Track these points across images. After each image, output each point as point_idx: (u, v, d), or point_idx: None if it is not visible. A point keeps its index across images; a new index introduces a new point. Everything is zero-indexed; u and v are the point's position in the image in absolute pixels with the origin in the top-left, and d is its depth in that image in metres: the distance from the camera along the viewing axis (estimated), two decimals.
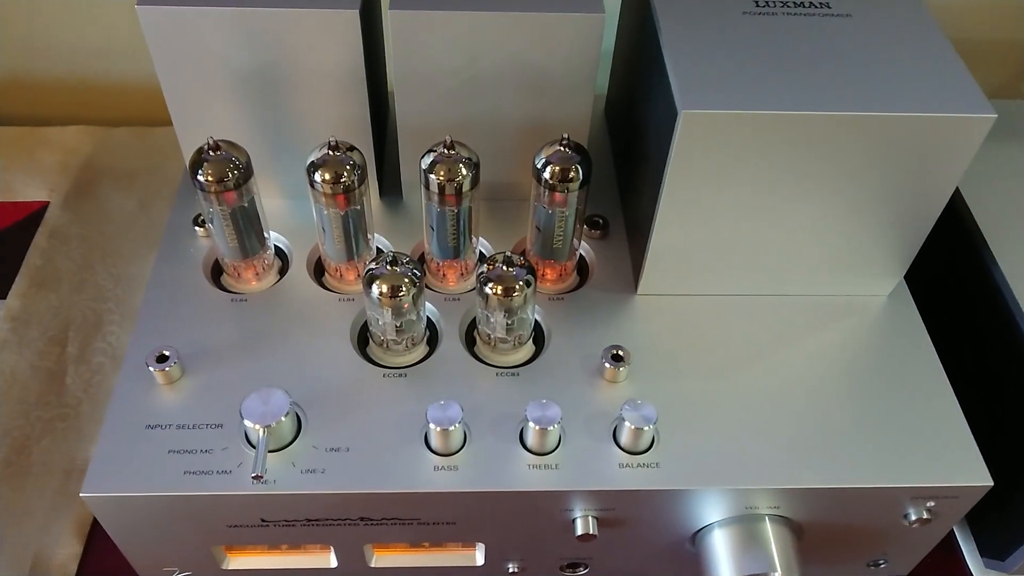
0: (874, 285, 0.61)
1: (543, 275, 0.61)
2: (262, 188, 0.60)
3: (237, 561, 0.57)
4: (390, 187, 0.67)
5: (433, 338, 0.57)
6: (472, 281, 0.61)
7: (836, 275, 0.60)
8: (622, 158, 0.69)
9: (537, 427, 0.50)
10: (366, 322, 0.56)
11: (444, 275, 0.61)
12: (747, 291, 0.61)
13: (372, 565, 0.57)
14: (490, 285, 0.53)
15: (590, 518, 0.52)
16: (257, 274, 0.59)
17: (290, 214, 0.64)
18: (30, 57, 0.92)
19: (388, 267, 0.52)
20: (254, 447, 0.49)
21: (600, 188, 0.68)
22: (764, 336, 0.59)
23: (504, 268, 0.53)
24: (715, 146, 0.51)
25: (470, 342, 0.58)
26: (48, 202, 0.83)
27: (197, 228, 0.62)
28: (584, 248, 0.64)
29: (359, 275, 0.59)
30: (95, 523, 0.62)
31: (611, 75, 0.76)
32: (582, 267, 0.64)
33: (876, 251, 0.59)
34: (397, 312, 0.53)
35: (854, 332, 0.60)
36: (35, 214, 0.82)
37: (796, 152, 0.51)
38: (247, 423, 0.48)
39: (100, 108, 0.96)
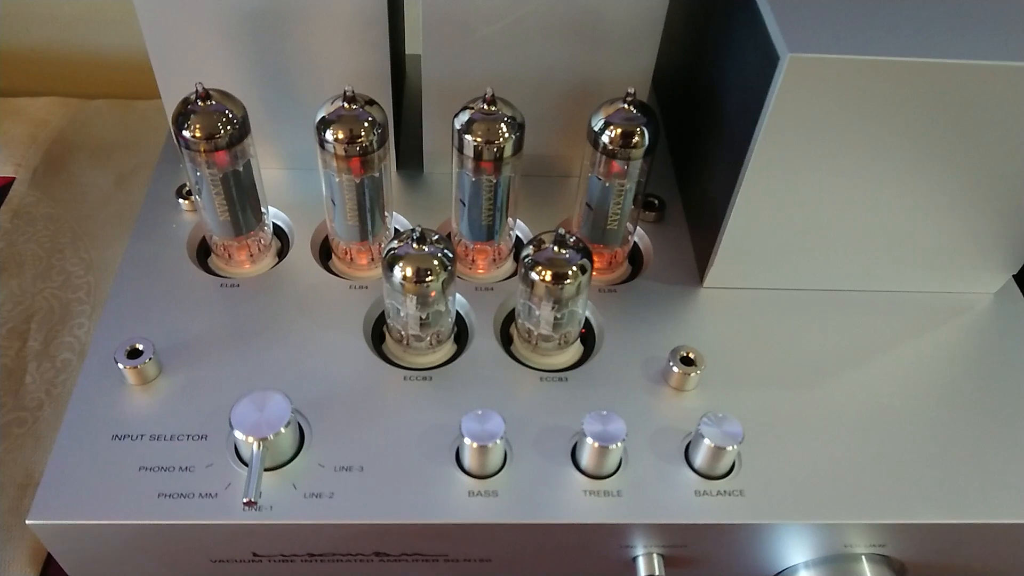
0: (980, 281, 0.55)
1: None
2: (260, 156, 0.54)
3: None
4: (408, 160, 0.61)
5: (461, 335, 0.52)
6: (506, 269, 0.55)
7: (939, 268, 0.53)
8: (679, 132, 0.62)
9: (597, 444, 0.43)
10: (383, 313, 0.51)
11: (473, 260, 0.54)
12: (834, 285, 0.54)
13: None
14: (537, 269, 0.46)
15: (655, 556, 0.46)
16: (252, 255, 0.54)
17: (292, 187, 0.58)
18: (3, 26, 0.86)
19: (414, 245, 0.45)
20: (246, 465, 0.44)
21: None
22: (855, 338, 0.52)
23: (555, 249, 0.46)
24: (820, 102, 0.43)
25: (505, 340, 0.52)
26: (14, 178, 0.77)
27: (181, 200, 0.57)
28: (637, 233, 0.57)
29: (373, 258, 0.54)
30: None
31: (662, 38, 0.68)
32: (634, 255, 0.57)
33: (989, 241, 0.52)
34: (423, 301, 0.46)
35: (961, 335, 0.53)
36: None
37: (916, 110, 0.44)
38: (238, 435, 0.42)
39: (78, 82, 0.90)
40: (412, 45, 0.65)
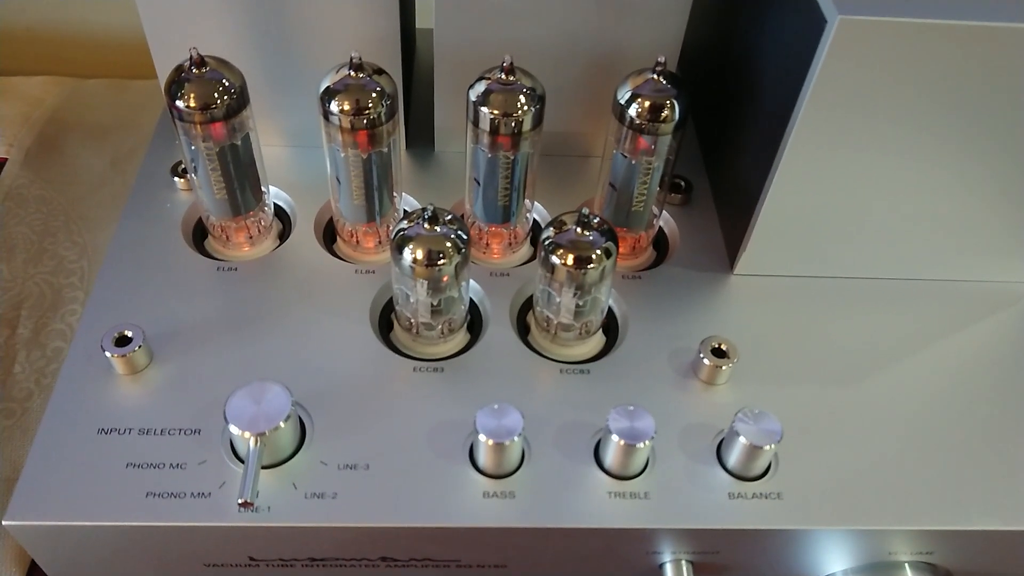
0: None
1: None
2: (261, 132, 0.52)
3: None
4: (418, 138, 0.59)
5: (475, 323, 0.50)
6: (523, 253, 0.53)
7: (990, 255, 0.51)
8: (706, 108, 0.60)
9: (623, 442, 0.41)
10: (391, 300, 0.49)
11: (488, 244, 0.52)
12: (877, 273, 0.52)
13: None
14: (559, 253, 0.44)
15: (683, 563, 0.44)
16: (251, 237, 0.52)
17: (295, 164, 0.57)
18: None
19: (426, 226, 0.43)
20: (242, 462, 0.43)
21: None
22: (900, 330, 0.50)
23: (578, 231, 0.43)
24: (869, 70, 0.41)
25: (522, 329, 0.50)
26: (6, 158, 0.76)
27: (177, 179, 0.55)
28: (662, 216, 0.55)
29: (380, 241, 0.52)
30: None
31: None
32: (658, 240, 0.55)
33: None
34: (435, 287, 0.44)
35: (1014, 327, 0.51)
36: None
37: (973, 81, 0.42)
38: (233, 429, 0.41)
39: (74, 61, 0.89)
40: (423, 19, 0.63)
